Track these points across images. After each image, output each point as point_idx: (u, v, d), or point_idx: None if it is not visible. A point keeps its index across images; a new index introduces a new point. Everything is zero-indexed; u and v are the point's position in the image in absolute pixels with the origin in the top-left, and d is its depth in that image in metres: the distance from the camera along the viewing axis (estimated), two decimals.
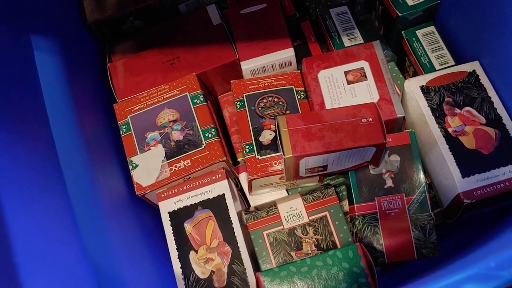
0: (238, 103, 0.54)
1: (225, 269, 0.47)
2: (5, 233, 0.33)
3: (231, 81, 0.56)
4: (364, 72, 0.53)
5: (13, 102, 0.40)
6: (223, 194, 0.49)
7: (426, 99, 0.51)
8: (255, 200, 0.56)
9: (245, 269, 0.46)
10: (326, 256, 0.44)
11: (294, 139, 0.45)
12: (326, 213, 0.49)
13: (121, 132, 0.53)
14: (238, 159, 0.57)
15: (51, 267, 0.36)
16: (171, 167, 0.50)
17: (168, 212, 0.49)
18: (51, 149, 0.42)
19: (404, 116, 0.50)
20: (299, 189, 0.55)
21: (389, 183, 0.50)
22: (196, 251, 0.48)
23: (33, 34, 0.47)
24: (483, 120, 0.49)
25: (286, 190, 0.55)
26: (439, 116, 0.50)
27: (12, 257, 0.33)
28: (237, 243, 0.47)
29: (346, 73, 0.53)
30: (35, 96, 0.44)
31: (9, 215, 0.34)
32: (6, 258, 0.33)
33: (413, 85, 0.52)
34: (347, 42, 0.60)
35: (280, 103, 0.54)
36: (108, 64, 0.58)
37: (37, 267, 0.35)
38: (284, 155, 0.45)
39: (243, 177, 0.56)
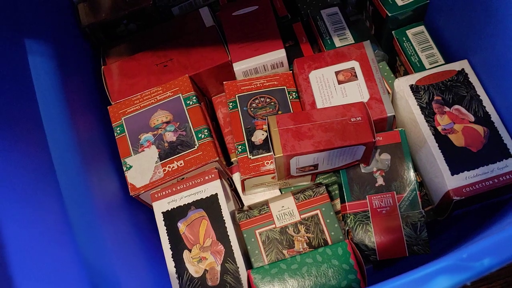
0: (231, 104, 0.55)
1: (218, 268, 0.47)
2: None
3: (224, 82, 0.56)
4: (355, 72, 0.53)
5: (7, 105, 0.41)
6: (216, 194, 0.50)
7: (416, 98, 0.51)
8: (249, 199, 0.56)
9: (238, 267, 0.47)
10: (316, 253, 0.44)
11: (284, 138, 0.46)
12: (318, 211, 0.50)
13: (115, 134, 0.54)
14: (232, 159, 0.58)
15: (45, 268, 0.36)
16: (165, 168, 0.51)
17: (162, 212, 0.50)
18: (45, 151, 0.43)
19: (394, 115, 0.51)
20: (292, 188, 0.56)
21: (380, 181, 0.50)
22: (190, 250, 0.48)
23: (27, 38, 0.48)
24: (472, 118, 0.50)
25: (279, 189, 0.56)
26: (429, 114, 0.50)
27: (6, 258, 0.33)
28: (230, 242, 0.48)
29: (337, 73, 0.54)
30: (29, 99, 0.44)
31: (2, 216, 0.34)
32: None
33: (403, 84, 0.52)
34: (338, 43, 0.60)
35: (272, 103, 0.54)
36: (102, 67, 0.58)
37: (31, 268, 0.35)
38: (274, 155, 0.45)
39: (236, 177, 0.56)
